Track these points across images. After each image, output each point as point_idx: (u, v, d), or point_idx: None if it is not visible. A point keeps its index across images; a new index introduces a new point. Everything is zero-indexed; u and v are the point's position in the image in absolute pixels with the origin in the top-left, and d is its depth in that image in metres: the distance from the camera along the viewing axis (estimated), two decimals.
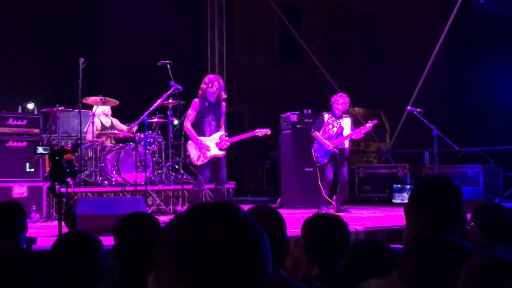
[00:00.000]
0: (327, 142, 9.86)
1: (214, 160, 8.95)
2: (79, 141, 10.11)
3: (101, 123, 10.63)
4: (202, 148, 8.86)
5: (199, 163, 8.91)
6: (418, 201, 2.61)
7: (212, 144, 8.92)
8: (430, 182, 2.74)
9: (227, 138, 9.06)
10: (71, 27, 13.50)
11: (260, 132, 9.41)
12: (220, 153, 8.98)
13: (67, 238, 3.15)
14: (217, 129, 9.05)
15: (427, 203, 2.58)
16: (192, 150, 8.96)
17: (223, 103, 9.13)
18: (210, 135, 8.96)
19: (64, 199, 4.70)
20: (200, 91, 9.00)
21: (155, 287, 1.22)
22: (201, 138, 8.88)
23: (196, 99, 8.99)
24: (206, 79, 9.05)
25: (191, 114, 8.96)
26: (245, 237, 1.20)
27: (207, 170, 8.96)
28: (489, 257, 1.66)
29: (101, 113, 10.64)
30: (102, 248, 3.12)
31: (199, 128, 8.94)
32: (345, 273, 2.99)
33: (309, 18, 18.91)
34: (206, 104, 8.91)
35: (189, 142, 9.05)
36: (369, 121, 10.05)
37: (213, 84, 8.91)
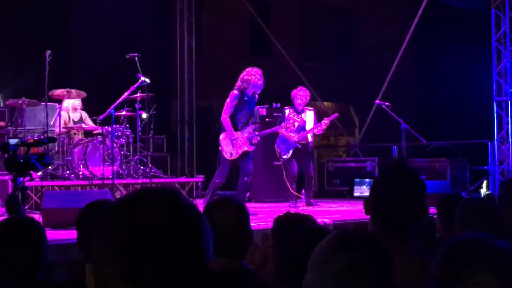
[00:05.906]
0: (291, 134, 9.79)
1: (245, 153, 8.71)
2: (45, 134, 9.97)
3: (69, 117, 10.49)
4: (236, 146, 8.61)
5: (231, 158, 8.65)
6: (379, 192, 2.57)
7: (244, 139, 8.68)
8: (391, 172, 2.68)
9: (256, 132, 8.97)
10: (38, 18, 13.30)
11: (287, 129, 9.49)
12: (252, 147, 8.77)
13: (1, 225, 2.98)
14: (248, 123, 8.82)
15: (388, 193, 2.53)
16: (226, 145, 8.67)
17: (256, 96, 8.87)
18: (242, 129, 8.71)
19: (13, 190, 4.55)
20: (241, 83, 8.61)
21: (92, 274, 1.19)
22: (235, 133, 8.61)
23: (235, 91, 8.60)
24: (250, 71, 8.67)
25: (231, 106, 8.59)
26: (183, 222, 1.18)
27: (229, 167, 8.80)
28: (452, 241, 1.68)
29: (70, 107, 10.50)
30: (43, 237, 2.93)
31: (232, 122, 8.62)
32: None
33: (279, 11, 18.87)
34: (245, 98, 8.63)
35: (223, 136, 8.71)
36: (325, 118, 9.95)
37: (260, 77, 8.65)
